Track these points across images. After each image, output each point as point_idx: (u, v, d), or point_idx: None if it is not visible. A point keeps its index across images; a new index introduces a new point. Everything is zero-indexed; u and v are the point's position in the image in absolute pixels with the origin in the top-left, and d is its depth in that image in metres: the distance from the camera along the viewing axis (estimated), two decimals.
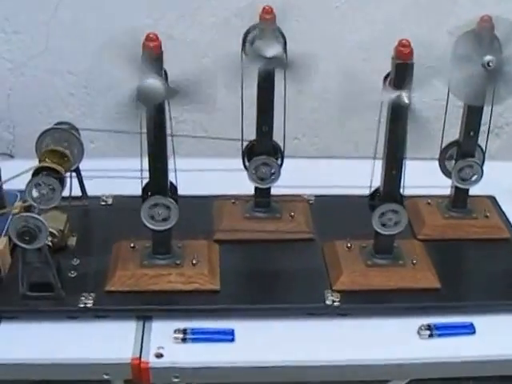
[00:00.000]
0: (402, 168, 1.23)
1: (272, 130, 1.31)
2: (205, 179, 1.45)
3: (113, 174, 1.44)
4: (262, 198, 1.37)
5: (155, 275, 1.23)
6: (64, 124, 1.37)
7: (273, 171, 1.34)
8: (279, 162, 1.35)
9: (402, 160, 1.22)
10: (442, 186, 1.45)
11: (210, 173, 1.43)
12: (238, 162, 1.39)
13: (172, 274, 1.24)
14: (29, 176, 1.23)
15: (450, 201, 1.44)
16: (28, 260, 1.19)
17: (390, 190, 1.24)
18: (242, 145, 1.36)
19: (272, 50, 1.22)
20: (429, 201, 1.45)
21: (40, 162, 1.28)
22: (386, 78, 1.19)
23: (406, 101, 1.14)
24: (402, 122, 1.17)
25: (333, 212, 1.43)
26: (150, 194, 1.21)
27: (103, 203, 1.45)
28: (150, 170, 1.19)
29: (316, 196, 1.48)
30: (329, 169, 1.57)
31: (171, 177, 1.22)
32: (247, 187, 1.41)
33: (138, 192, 1.43)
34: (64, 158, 1.30)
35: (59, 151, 1.30)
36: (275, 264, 1.32)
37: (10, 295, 1.21)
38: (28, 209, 1.24)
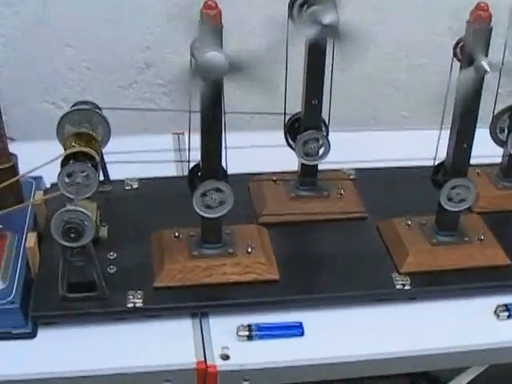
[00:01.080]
0: (472, 141, 1.10)
1: (321, 103, 1.17)
2: (236, 156, 1.28)
3: (134, 156, 1.29)
4: (309, 175, 1.23)
5: (208, 267, 1.09)
6: (83, 104, 1.19)
7: (322, 147, 1.19)
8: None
9: (474, 133, 1.09)
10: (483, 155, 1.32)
11: (241, 149, 1.27)
12: (272, 137, 1.25)
13: (226, 265, 1.09)
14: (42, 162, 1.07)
15: (500, 170, 1.31)
16: (70, 258, 1.03)
17: (459, 164, 1.12)
18: (285, 119, 1.21)
19: (329, 16, 1.07)
20: (478, 171, 1.32)
21: (65, 147, 1.12)
22: (456, 45, 1.06)
23: (487, 68, 1.00)
24: (477, 93, 1.04)
25: (379, 187, 1.30)
26: (200, 177, 1.05)
27: (128, 188, 1.29)
28: (202, 152, 1.04)
29: (356, 170, 1.33)
30: (369, 142, 1.43)
31: None
32: (282, 164, 1.27)
33: (164, 174, 1.30)
34: (92, 140, 1.13)
35: (86, 133, 1.13)
36: (331, 247, 1.18)
37: (46, 298, 1.06)
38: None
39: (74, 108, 1.18)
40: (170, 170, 1.37)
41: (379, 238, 1.20)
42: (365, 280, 1.12)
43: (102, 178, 1.26)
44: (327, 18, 1.07)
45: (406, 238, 1.16)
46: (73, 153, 1.08)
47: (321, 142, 1.20)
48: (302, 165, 1.22)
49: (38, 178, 1.27)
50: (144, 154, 1.38)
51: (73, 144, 1.11)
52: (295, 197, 1.23)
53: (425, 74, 1.65)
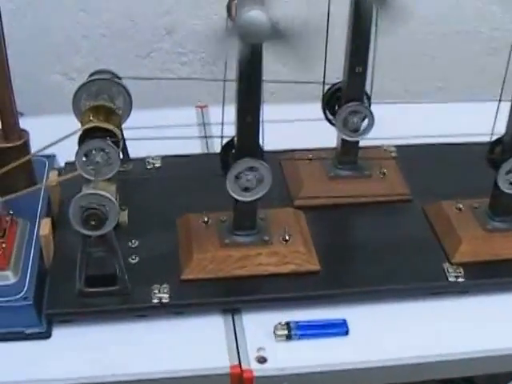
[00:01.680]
0: None
1: (366, 71, 1.03)
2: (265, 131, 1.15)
3: (154, 132, 1.16)
4: (349, 153, 1.10)
5: (242, 257, 0.97)
6: (101, 73, 1.06)
7: (365, 121, 1.06)
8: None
9: None
10: None
11: (271, 124, 1.14)
12: (303, 110, 1.15)
13: (262, 254, 0.97)
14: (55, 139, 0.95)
15: None
16: (89, 249, 0.90)
17: None
18: (323, 89, 1.08)
19: None
20: None
21: (83, 122, 0.99)
22: None
23: None
24: None
25: (423, 166, 1.17)
26: (235, 156, 0.93)
27: (150, 167, 1.16)
28: (238, 127, 0.91)
29: (398, 147, 1.20)
30: (407, 115, 1.30)
31: None
32: (317, 140, 1.15)
33: (188, 151, 1.17)
34: (112, 114, 1.01)
35: (105, 106, 1.01)
36: (374, 233, 1.06)
37: (61, 293, 0.94)
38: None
39: (91, 78, 1.05)
40: (195, 147, 1.24)
41: (426, 222, 1.08)
42: (413, 271, 1.00)
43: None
44: None
45: (457, 224, 1.04)
46: (91, 128, 0.96)
47: (364, 115, 1.06)
48: (342, 141, 1.09)
49: (52, 157, 1.15)
50: (165, 129, 1.25)
51: (91, 119, 0.99)
52: (334, 177, 1.11)
53: (463, 42, 1.52)
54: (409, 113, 1.33)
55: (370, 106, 1.08)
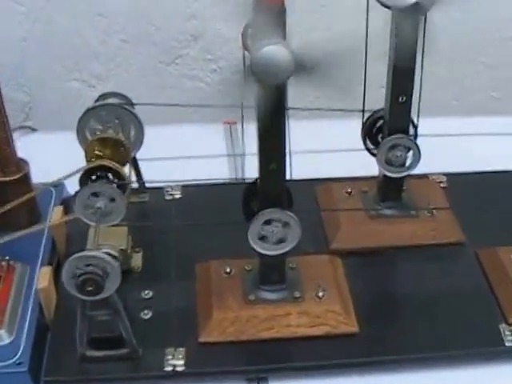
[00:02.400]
0: None
1: (411, 100, 0.89)
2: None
3: (175, 150, 1.04)
4: (393, 189, 0.96)
5: (268, 317, 0.84)
6: (111, 96, 0.93)
7: (410, 152, 0.92)
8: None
9: None
10: None
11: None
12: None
13: (292, 314, 0.84)
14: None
15: None
16: (90, 312, 0.78)
17: None
18: (363, 117, 0.94)
19: None
20: None
21: (87, 155, 0.87)
22: None
23: None
24: None
25: (478, 199, 1.02)
26: (258, 204, 0.79)
27: (169, 197, 1.03)
28: (261, 174, 0.78)
29: (447, 175, 1.06)
30: (458, 132, 1.14)
31: None
32: (356, 167, 1.01)
33: (214, 174, 1.04)
34: (120, 147, 0.88)
35: (113, 139, 0.88)
36: (421, 284, 0.92)
37: (63, 356, 0.82)
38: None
39: (99, 103, 0.92)
40: (222, 169, 1.11)
41: (480, 271, 0.93)
42: (466, 333, 0.86)
43: (135, 184, 1.01)
44: None
45: None
46: (98, 167, 0.83)
47: (409, 148, 0.92)
48: (385, 176, 0.95)
49: (60, 186, 1.02)
50: (188, 148, 1.12)
51: (96, 152, 0.87)
52: (376, 216, 0.97)
53: None
54: (461, 128, 1.18)
55: (416, 136, 0.94)
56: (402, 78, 0.88)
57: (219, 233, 0.95)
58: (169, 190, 1.04)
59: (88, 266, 0.74)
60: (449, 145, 1.03)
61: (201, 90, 1.32)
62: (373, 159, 0.95)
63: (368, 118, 0.95)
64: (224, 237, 0.93)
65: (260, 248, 0.81)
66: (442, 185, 1.05)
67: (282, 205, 0.79)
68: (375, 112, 0.94)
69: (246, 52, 0.74)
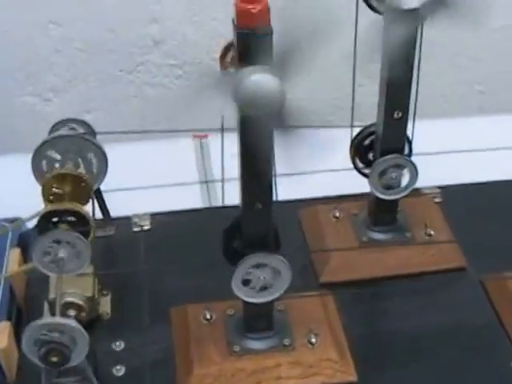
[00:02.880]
0: None
1: (407, 116, 0.79)
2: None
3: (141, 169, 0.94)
4: (386, 212, 0.86)
5: (256, 369, 0.75)
6: (71, 122, 0.83)
7: (406, 175, 0.83)
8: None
9: None
10: None
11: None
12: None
13: (282, 365, 0.75)
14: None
15: None
16: (56, 379, 0.67)
17: None
18: (352, 134, 0.84)
19: None
20: None
21: (45, 193, 0.77)
22: None
23: None
24: None
25: (478, 214, 0.92)
26: (243, 248, 0.69)
27: (137, 229, 0.92)
28: (244, 214, 0.68)
29: (441, 188, 0.96)
30: (449, 134, 1.06)
31: None
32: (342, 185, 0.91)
33: (187, 200, 0.94)
34: (80, 183, 0.78)
35: (72, 175, 0.77)
36: (423, 318, 0.83)
37: None
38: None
39: (57, 134, 0.81)
40: (194, 191, 1.00)
41: (486, 300, 0.84)
42: (474, 374, 0.76)
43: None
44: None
45: None
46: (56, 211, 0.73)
47: (405, 168, 0.82)
48: (377, 199, 0.85)
49: (17, 221, 0.90)
50: (156, 169, 1.02)
51: (54, 189, 0.76)
52: (368, 243, 0.87)
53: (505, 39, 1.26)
54: (451, 129, 1.09)
55: (411, 152, 0.84)
56: (398, 91, 0.78)
57: (196, 270, 0.84)
58: (136, 220, 0.93)
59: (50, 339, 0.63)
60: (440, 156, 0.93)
61: (166, 97, 1.21)
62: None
63: (357, 135, 0.85)
64: (201, 275, 0.84)
65: (245, 296, 0.71)
66: (436, 199, 0.95)
67: (269, 247, 0.69)
68: (366, 128, 0.84)
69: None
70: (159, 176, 0.98)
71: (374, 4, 0.75)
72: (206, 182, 1.01)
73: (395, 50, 0.74)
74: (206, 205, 0.98)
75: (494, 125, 1.12)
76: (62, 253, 0.70)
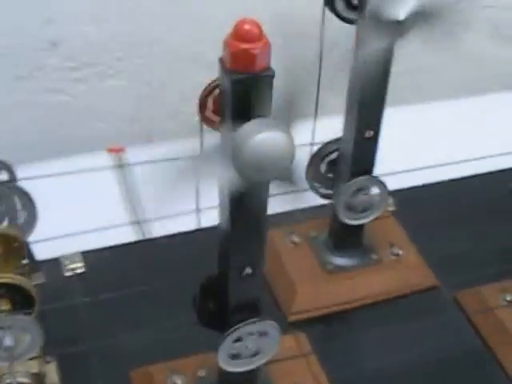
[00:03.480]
0: None
1: (378, 136, 0.70)
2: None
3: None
4: (352, 236, 0.77)
5: None
6: None
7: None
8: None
9: None
10: None
11: None
12: None
13: None
14: None
15: None
16: None
17: None
18: (311, 152, 0.75)
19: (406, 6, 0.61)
20: None
21: None
22: None
23: None
24: None
25: (437, 220, 0.85)
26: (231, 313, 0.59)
27: (70, 273, 0.79)
28: (231, 278, 0.57)
29: (392, 194, 0.88)
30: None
31: None
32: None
33: (108, 222, 0.83)
34: (13, 243, 0.65)
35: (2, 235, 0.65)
36: (400, 350, 0.75)
37: None
38: None
39: None
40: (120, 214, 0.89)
41: (465, 320, 0.77)
42: None
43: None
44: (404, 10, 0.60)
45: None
46: None
47: (375, 190, 0.74)
48: (342, 223, 0.76)
49: None
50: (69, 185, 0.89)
51: None
52: (334, 271, 0.78)
53: None
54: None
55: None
56: (371, 109, 0.68)
57: (151, 318, 0.73)
58: (66, 262, 0.80)
59: None
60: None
61: (66, 104, 1.07)
62: None
63: (317, 153, 0.75)
64: (159, 324, 0.72)
65: (233, 367, 0.61)
66: (389, 208, 0.87)
67: (258, 312, 0.59)
68: (327, 144, 0.75)
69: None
70: (80, 209, 0.85)
71: (344, 13, 0.65)
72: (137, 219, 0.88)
73: (371, 64, 0.64)
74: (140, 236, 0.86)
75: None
76: (8, 341, 0.57)
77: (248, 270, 0.56)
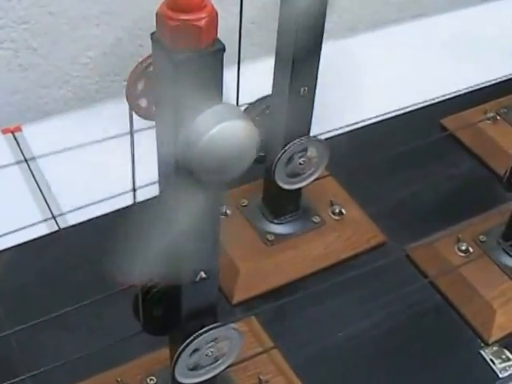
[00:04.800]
0: None
1: (314, 92, 0.61)
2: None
3: None
4: (290, 200, 0.69)
5: None
6: None
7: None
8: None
9: None
10: None
11: None
12: None
13: None
14: None
15: None
16: None
17: None
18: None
19: None
20: None
21: None
22: None
23: None
24: None
25: (368, 170, 0.78)
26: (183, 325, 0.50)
27: None
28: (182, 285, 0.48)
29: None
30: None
31: None
32: None
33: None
34: None
35: None
36: (363, 318, 0.67)
37: None
38: None
39: None
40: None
41: (420, 276, 0.70)
42: (445, 369, 0.63)
43: None
44: None
45: (473, 278, 0.68)
46: None
47: (313, 151, 0.65)
48: (280, 188, 0.67)
49: None
50: None
51: None
52: (275, 240, 0.69)
53: None
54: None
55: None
56: (306, 65, 0.59)
57: (80, 321, 0.63)
58: None
59: None
60: None
61: None
62: None
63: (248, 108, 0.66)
64: (90, 327, 0.63)
65: (191, 379, 0.52)
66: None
67: (214, 316, 0.50)
68: (255, 103, 0.65)
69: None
70: None
71: None
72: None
73: (305, 13, 0.55)
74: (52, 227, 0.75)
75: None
76: None
77: (202, 275, 0.47)
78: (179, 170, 0.38)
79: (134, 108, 0.41)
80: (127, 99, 0.41)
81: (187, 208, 0.38)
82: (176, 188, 0.39)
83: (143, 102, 0.41)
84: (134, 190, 0.45)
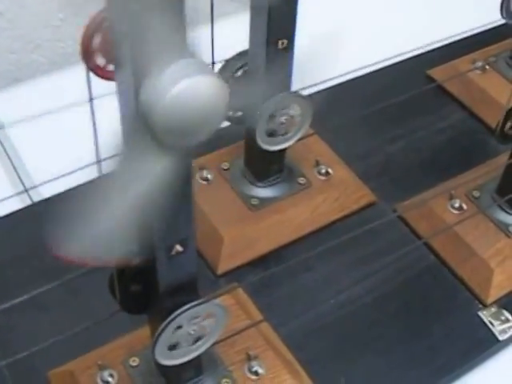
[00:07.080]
0: None
1: (293, 45, 0.56)
2: None
3: None
4: (274, 163, 0.64)
5: None
6: None
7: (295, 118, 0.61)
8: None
9: None
10: None
11: None
12: None
13: None
14: None
15: None
16: None
17: None
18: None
19: None
20: None
21: None
22: None
23: None
24: None
25: (354, 126, 0.73)
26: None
27: None
28: (159, 258, 0.42)
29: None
30: None
31: None
32: None
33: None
34: None
35: None
36: (359, 284, 0.63)
37: None
38: None
39: None
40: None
41: (413, 235, 0.65)
42: (444, 341, 0.59)
43: None
44: None
45: (468, 236, 0.63)
46: None
47: (296, 108, 0.60)
48: (262, 150, 0.62)
49: None
50: None
51: None
52: (260, 205, 0.64)
53: None
54: None
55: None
56: (283, 15, 0.53)
57: (54, 300, 0.58)
58: None
59: None
60: None
61: None
62: None
63: (219, 72, 0.60)
64: (65, 306, 0.58)
65: (172, 360, 0.47)
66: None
67: (195, 292, 0.45)
68: (231, 60, 0.60)
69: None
70: None
71: None
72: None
73: None
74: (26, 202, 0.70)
75: None
76: None
77: (178, 248, 0.42)
78: (141, 133, 0.32)
79: (92, 70, 0.36)
80: (82, 59, 0.36)
81: (151, 176, 0.33)
82: (138, 154, 0.33)
83: (101, 61, 0.35)
84: (99, 160, 0.39)
